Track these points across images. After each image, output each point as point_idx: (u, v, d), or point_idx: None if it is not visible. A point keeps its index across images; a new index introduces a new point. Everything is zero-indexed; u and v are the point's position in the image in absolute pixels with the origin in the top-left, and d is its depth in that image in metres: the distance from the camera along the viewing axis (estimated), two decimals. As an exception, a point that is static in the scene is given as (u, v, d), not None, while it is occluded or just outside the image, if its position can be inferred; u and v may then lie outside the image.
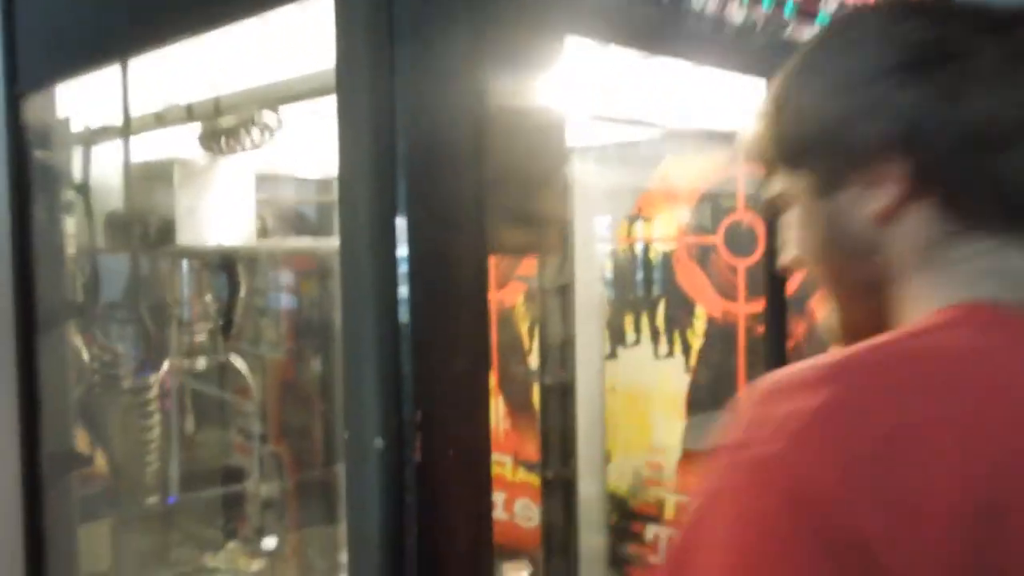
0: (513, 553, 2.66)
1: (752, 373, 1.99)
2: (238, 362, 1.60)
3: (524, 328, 2.54)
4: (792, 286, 1.26)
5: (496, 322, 2.57)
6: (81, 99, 1.14)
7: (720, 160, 1.92)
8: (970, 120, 0.53)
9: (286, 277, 2.07)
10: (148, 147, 1.18)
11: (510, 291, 2.55)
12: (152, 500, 2.88)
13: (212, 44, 0.84)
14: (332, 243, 0.69)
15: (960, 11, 0.56)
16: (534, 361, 2.39)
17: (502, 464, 2.80)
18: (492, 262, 0.71)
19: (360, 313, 0.64)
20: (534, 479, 2.55)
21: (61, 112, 1.15)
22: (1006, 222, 0.55)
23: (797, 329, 1.76)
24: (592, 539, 1.77)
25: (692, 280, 2.12)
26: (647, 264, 2.23)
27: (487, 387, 0.68)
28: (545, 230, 0.72)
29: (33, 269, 1.15)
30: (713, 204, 2.06)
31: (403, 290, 0.61)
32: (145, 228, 1.17)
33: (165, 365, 1.51)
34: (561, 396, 1.66)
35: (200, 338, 1.50)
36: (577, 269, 1.62)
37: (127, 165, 1.06)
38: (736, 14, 0.93)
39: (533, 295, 2.13)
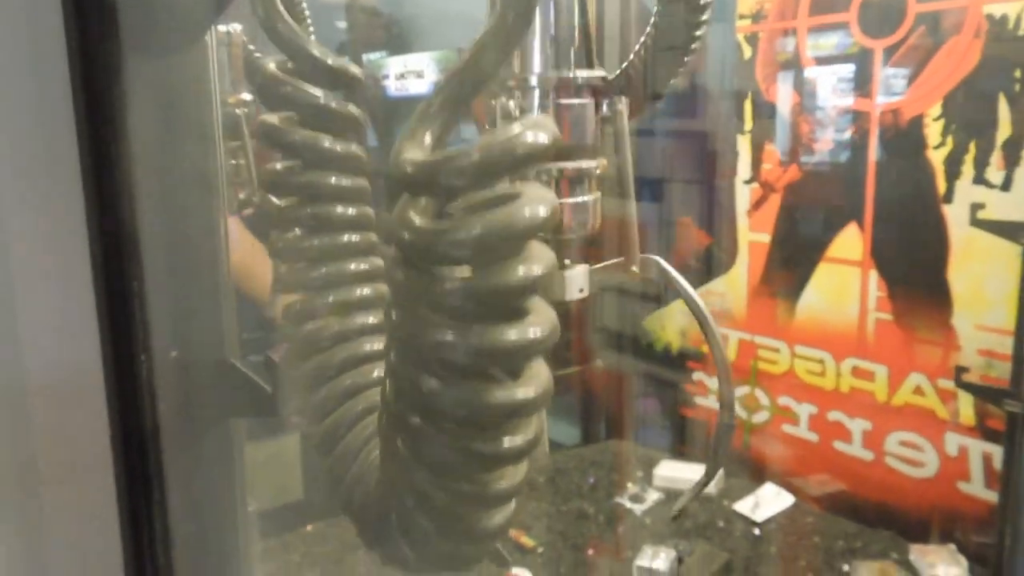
0: (884, 522, 2.08)
1: None
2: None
3: (939, 154, 2.05)
4: None
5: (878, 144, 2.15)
6: None
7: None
8: None
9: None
10: None
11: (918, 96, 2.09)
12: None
13: None
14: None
15: None
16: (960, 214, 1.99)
17: (870, 375, 2.22)
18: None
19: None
20: (931, 404, 2.08)
21: None
22: None
23: None
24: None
25: None
26: None
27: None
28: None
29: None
30: None
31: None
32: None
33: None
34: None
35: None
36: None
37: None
38: None
39: (961, 100, 1.84)
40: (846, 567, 1.91)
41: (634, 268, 0.74)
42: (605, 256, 0.75)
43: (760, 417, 2.58)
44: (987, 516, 2.00)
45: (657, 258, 0.75)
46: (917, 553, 1.91)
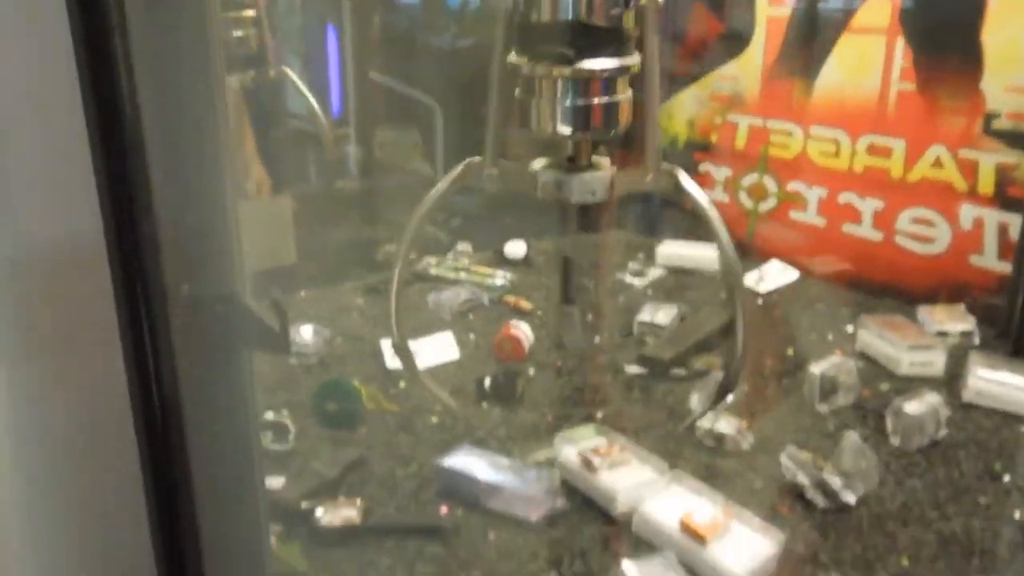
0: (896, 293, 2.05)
1: None
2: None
3: None
4: None
5: None
6: None
7: None
8: None
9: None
10: None
11: None
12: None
13: None
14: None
15: None
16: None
17: (886, 151, 2.16)
18: None
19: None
20: (950, 176, 2.01)
21: None
22: None
23: None
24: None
25: None
26: None
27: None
28: None
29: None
30: None
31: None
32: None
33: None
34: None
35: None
36: None
37: None
38: None
39: None
40: (850, 328, 1.87)
41: (649, 178, 0.71)
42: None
43: (767, 205, 2.50)
44: (997, 286, 1.95)
45: (677, 169, 0.72)
46: (925, 312, 1.87)
